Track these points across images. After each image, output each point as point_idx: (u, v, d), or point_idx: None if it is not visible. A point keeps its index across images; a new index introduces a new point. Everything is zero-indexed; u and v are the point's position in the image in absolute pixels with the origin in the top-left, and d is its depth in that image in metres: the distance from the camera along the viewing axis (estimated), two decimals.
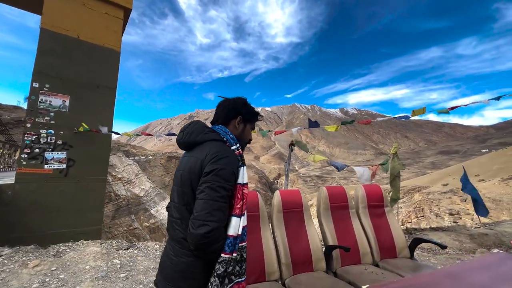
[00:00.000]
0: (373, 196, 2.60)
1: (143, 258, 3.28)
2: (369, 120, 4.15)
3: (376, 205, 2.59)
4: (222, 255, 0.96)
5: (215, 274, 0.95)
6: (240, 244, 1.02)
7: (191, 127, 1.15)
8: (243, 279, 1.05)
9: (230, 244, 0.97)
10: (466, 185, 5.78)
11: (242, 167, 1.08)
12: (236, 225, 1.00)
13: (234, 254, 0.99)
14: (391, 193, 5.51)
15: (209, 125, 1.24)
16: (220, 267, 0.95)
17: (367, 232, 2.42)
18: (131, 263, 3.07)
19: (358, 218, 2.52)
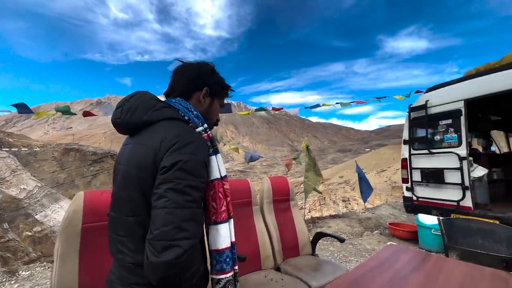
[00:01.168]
0: (280, 189, 2.34)
1: None
2: (281, 108, 4.13)
3: (282, 199, 2.34)
4: (222, 276, 0.76)
5: None
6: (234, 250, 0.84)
7: (134, 101, 0.80)
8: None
9: (228, 259, 0.78)
10: (361, 175, 6.76)
11: (214, 155, 0.82)
12: (226, 233, 0.79)
13: (235, 267, 0.81)
14: (310, 186, 5.71)
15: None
16: None
17: (270, 231, 2.12)
18: None
19: (262, 215, 2.20)
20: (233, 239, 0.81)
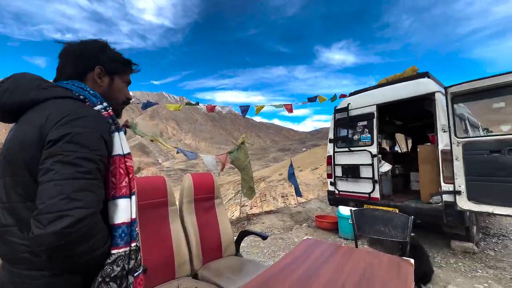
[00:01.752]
0: (203, 187, 2.13)
1: None
2: (213, 107, 3.95)
3: (206, 197, 2.14)
4: (114, 251, 0.69)
5: (107, 279, 0.66)
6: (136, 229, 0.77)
7: (13, 79, 0.72)
8: (140, 271, 0.78)
9: (123, 234, 0.71)
10: (291, 174, 7.19)
11: (117, 132, 0.77)
12: (127, 208, 0.74)
13: (133, 244, 0.74)
14: (245, 185, 5.64)
15: None
16: (115, 266, 0.68)
17: (189, 234, 1.89)
18: None
19: (181, 216, 1.95)
20: (134, 216, 0.76)
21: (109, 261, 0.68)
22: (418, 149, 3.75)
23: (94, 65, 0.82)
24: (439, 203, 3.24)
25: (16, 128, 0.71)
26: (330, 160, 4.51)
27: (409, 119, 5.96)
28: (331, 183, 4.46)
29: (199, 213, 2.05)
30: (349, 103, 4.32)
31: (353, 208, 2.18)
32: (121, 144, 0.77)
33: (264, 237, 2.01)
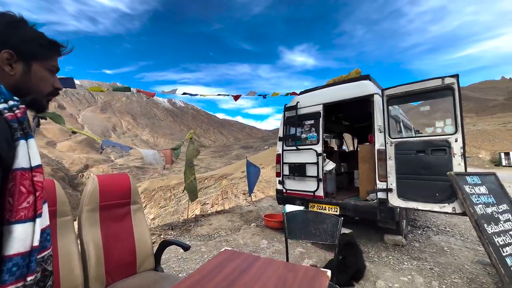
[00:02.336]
0: (115, 190, 1.77)
1: None
2: (153, 94, 3.53)
3: (118, 203, 1.79)
4: None
5: None
6: (41, 255, 0.64)
7: None
8: None
9: (15, 268, 0.58)
10: (249, 170, 7.05)
11: (22, 141, 0.62)
12: (26, 235, 0.60)
13: (30, 278, 0.60)
14: (188, 184, 5.26)
15: None
16: None
17: (87, 251, 1.53)
18: None
19: (79, 230, 1.58)
20: (36, 244, 0.62)
21: None
22: (358, 148, 3.91)
23: (0, 48, 0.64)
24: (374, 200, 3.40)
25: None
26: (279, 159, 4.46)
27: (355, 120, 6.32)
28: (280, 182, 4.41)
29: (107, 223, 1.69)
30: (298, 102, 4.31)
31: (289, 210, 2.07)
32: (28, 154, 0.63)
33: (185, 248, 1.76)
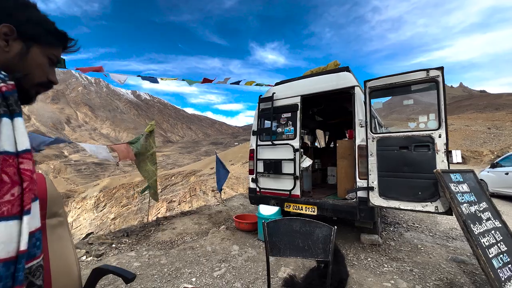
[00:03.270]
0: None
1: None
2: (100, 67, 2.86)
3: None
4: None
5: None
6: (29, 264, 0.53)
7: None
8: None
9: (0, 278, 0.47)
10: (218, 168, 6.58)
11: (5, 119, 0.52)
12: (9, 238, 0.48)
13: None
14: (153, 179, 4.59)
15: None
16: None
17: None
18: None
19: None
20: (23, 248, 0.50)
21: None
22: (337, 144, 3.70)
23: (1, 21, 0.57)
24: (353, 199, 3.20)
25: None
26: (252, 155, 4.06)
27: (329, 116, 6.20)
28: (253, 180, 4.02)
29: None
30: (274, 93, 3.94)
31: (263, 211, 1.67)
32: (13, 136, 0.52)
33: (128, 279, 1.25)
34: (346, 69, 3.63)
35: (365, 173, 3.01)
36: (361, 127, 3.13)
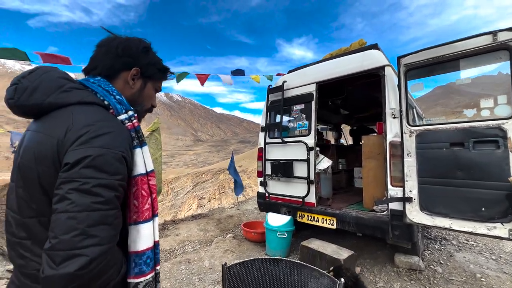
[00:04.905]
0: None
1: None
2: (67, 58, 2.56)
3: None
4: (142, 278, 0.67)
5: None
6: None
7: (34, 78, 0.65)
8: None
9: (149, 260, 0.69)
10: (230, 167, 6.20)
11: (139, 148, 0.70)
12: (148, 234, 0.70)
13: (158, 267, 0.74)
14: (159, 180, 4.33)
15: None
16: None
17: None
18: None
19: None
20: (157, 239, 0.74)
21: None
22: (362, 141, 2.98)
23: (133, 65, 0.77)
24: (384, 211, 2.49)
25: (31, 135, 0.65)
26: (261, 154, 3.53)
27: (355, 107, 5.35)
28: (261, 183, 3.49)
29: None
30: (285, 81, 3.34)
31: (271, 220, 1.13)
32: (144, 161, 0.71)
33: None
34: (374, 47, 2.89)
35: (399, 178, 2.29)
36: (394, 118, 2.40)
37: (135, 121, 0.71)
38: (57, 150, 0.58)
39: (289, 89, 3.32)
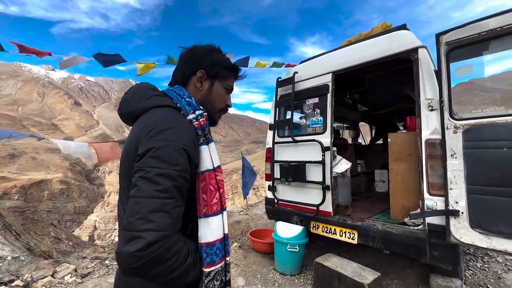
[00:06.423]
0: None
1: None
2: (49, 52, 2.31)
3: None
4: (212, 268, 0.72)
5: None
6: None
7: (131, 92, 0.82)
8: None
9: (218, 251, 0.74)
10: (245, 171, 5.84)
11: (206, 145, 0.76)
12: (218, 226, 0.75)
13: (227, 258, 0.79)
14: None
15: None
16: (215, 281, 0.72)
17: None
18: None
19: None
20: (226, 231, 0.79)
21: (209, 278, 0.71)
22: (388, 139, 2.52)
23: (197, 69, 0.83)
24: (419, 225, 2.03)
25: (128, 135, 0.78)
26: (269, 155, 3.15)
27: (376, 103, 4.82)
28: (269, 188, 3.11)
29: None
30: (296, 72, 2.95)
31: (280, 231, 0.85)
32: (211, 157, 0.76)
33: None
34: (403, 27, 2.43)
35: (439, 185, 1.83)
36: (432, 110, 1.94)
37: (202, 119, 0.76)
38: (136, 145, 0.68)
39: (301, 81, 2.92)
